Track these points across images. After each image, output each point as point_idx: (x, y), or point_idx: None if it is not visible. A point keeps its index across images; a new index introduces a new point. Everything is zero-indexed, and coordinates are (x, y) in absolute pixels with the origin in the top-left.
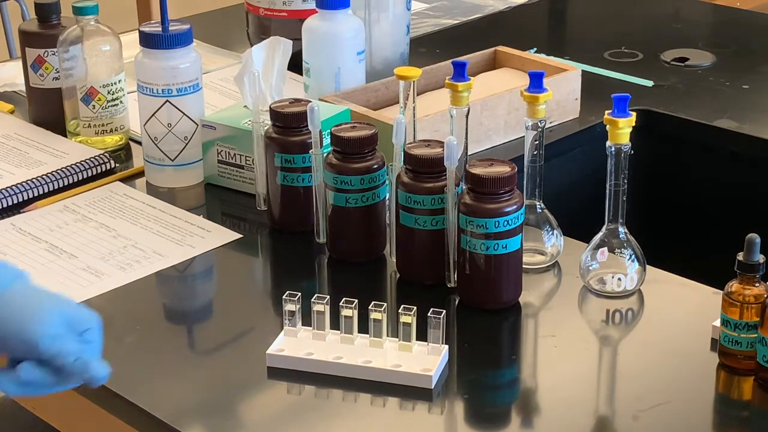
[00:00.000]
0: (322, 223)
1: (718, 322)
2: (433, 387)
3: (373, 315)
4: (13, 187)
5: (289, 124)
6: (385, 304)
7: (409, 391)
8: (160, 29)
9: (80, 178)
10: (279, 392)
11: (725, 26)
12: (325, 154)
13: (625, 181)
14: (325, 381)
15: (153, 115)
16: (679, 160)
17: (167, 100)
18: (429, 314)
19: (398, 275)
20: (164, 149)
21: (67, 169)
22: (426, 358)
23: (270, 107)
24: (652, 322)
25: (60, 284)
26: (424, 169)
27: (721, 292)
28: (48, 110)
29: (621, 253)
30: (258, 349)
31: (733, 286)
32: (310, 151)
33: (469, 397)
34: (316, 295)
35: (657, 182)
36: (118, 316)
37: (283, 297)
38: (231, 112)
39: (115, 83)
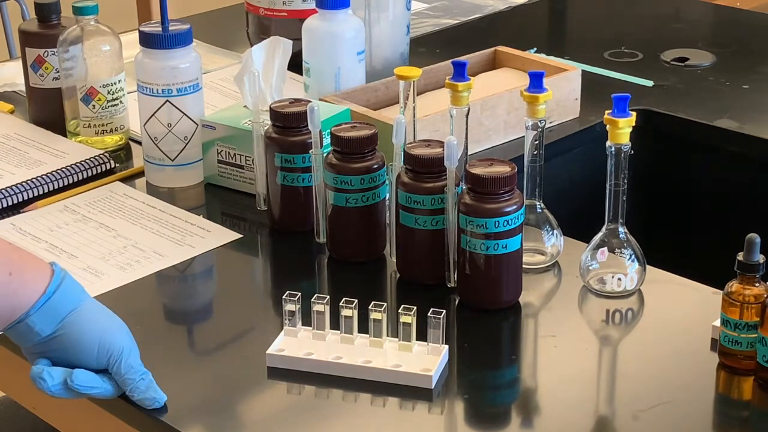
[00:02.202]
0: (322, 223)
1: (718, 322)
2: (433, 387)
3: (373, 315)
4: (13, 187)
5: (289, 124)
6: (385, 304)
7: (409, 391)
8: (160, 29)
9: (80, 178)
10: (279, 392)
11: (725, 26)
12: (325, 154)
13: (625, 181)
14: (325, 381)
15: (153, 115)
16: (679, 160)
17: (167, 100)
18: (429, 314)
19: (398, 275)
20: (164, 149)
21: (67, 169)
22: (426, 358)
23: (270, 107)
24: (652, 322)
25: None
26: (424, 169)
27: (721, 292)
28: (48, 110)
29: (621, 253)
30: (258, 349)
31: (733, 286)
32: (310, 151)
33: (469, 397)
34: (316, 295)
35: (657, 182)
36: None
37: (283, 297)
38: (231, 112)
39: (115, 83)
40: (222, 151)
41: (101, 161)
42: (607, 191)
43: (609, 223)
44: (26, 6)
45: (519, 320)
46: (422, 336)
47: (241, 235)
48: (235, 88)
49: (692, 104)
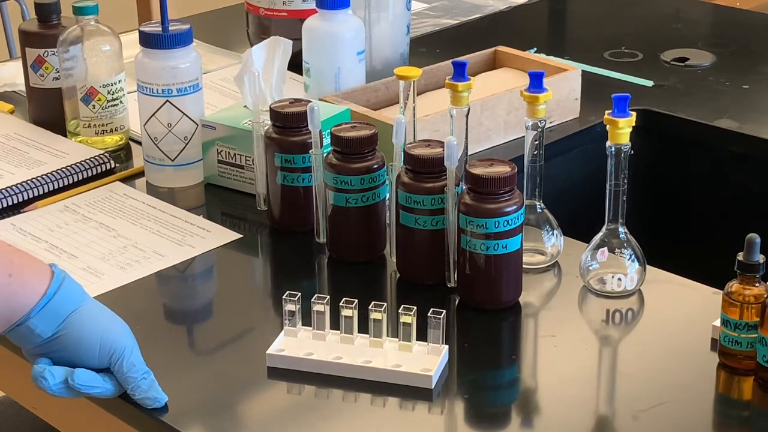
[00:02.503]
0: (322, 223)
1: (718, 322)
2: (433, 387)
3: (373, 315)
4: (13, 187)
5: (289, 124)
6: (385, 304)
7: (409, 391)
8: (160, 29)
9: (80, 178)
10: (279, 392)
11: (725, 26)
12: (325, 154)
13: (625, 181)
14: (325, 381)
15: (153, 115)
16: (679, 160)
17: (167, 100)
18: (429, 314)
19: (398, 275)
20: (164, 149)
21: (67, 169)
22: (426, 358)
23: (270, 107)
24: (652, 322)
25: None
26: (424, 169)
27: (721, 292)
28: (48, 110)
29: (621, 253)
30: (258, 349)
31: (733, 286)
32: (310, 151)
33: (469, 397)
34: (316, 295)
35: (657, 182)
36: None
37: (283, 297)
38: (231, 112)
39: (115, 83)
40: (222, 151)
41: (101, 161)
42: (607, 191)
43: (609, 223)
44: (26, 6)
45: (519, 320)
46: (422, 336)
47: (241, 235)
48: (235, 88)
49: (692, 104)
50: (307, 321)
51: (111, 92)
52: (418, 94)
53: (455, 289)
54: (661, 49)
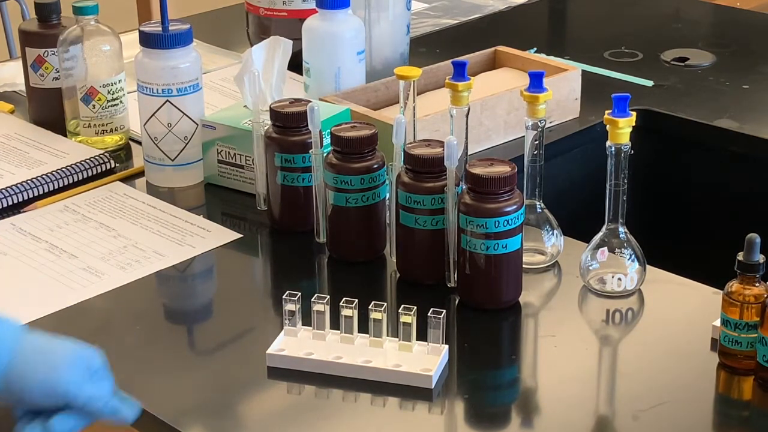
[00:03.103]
0: (322, 223)
1: (718, 322)
2: (433, 387)
3: (373, 315)
4: (13, 187)
5: (289, 124)
6: (385, 304)
7: (409, 391)
8: (160, 29)
9: (80, 178)
10: (279, 392)
11: (725, 26)
12: (325, 154)
13: (625, 181)
14: (325, 381)
15: (153, 115)
16: (679, 160)
17: (167, 100)
18: (429, 314)
19: (398, 275)
20: (164, 149)
21: (67, 169)
22: (426, 358)
23: (270, 107)
24: (652, 322)
25: (60, 284)
26: (424, 169)
27: (721, 292)
28: (48, 110)
29: (621, 252)
30: (258, 349)
31: (733, 286)
32: (310, 151)
33: (469, 397)
34: (316, 295)
35: (657, 182)
36: (118, 316)
37: (283, 297)
38: (231, 112)
39: (115, 83)
40: (222, 151)
41: (101, 161)
42: (607, 191)
43: (609, 223)
44: (26, 6)
45: (519, 320)
46: (422, 336)
47: (241, 235)
48: (235, 88)
49: (692, 104)
50: (307, 321)
51: (111, 92)
52: (418, 94)
53: (455, 289)
54: (661, 49)
